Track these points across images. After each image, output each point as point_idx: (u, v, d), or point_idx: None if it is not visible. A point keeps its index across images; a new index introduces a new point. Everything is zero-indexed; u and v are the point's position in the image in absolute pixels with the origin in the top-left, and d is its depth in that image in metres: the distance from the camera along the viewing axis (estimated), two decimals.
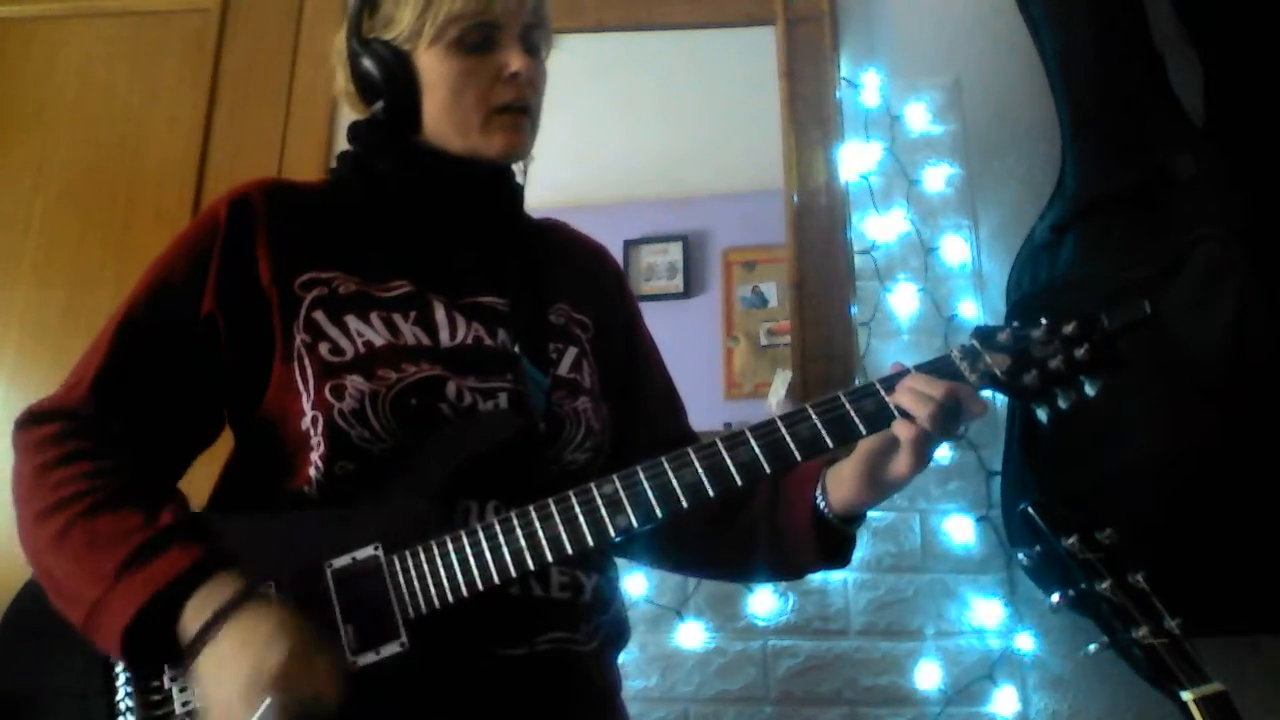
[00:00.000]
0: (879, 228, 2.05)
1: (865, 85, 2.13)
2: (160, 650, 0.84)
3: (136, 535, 0.86)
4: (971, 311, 1.99)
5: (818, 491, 1.00)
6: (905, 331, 1.99)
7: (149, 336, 0.98)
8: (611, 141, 2.31)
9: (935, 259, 2.03)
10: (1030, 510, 0.95)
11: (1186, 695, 0.82)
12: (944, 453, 1.87)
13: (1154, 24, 1.87)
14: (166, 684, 0.87)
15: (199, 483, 1.01)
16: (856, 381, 1.93)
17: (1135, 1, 1.85)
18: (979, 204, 2.07)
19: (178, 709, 0.86)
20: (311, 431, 0.94)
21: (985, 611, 1.80)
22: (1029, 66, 2.04)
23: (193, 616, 0.83)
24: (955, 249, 2.03)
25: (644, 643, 1.82)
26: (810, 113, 2.12)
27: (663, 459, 0.91)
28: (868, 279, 2.02)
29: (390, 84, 1.04)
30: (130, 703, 0.87)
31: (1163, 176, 1.68)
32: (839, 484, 0.99)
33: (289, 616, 0.84)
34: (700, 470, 0.90)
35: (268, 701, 0.78)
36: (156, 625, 0.83)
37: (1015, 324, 0.95)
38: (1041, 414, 0.93)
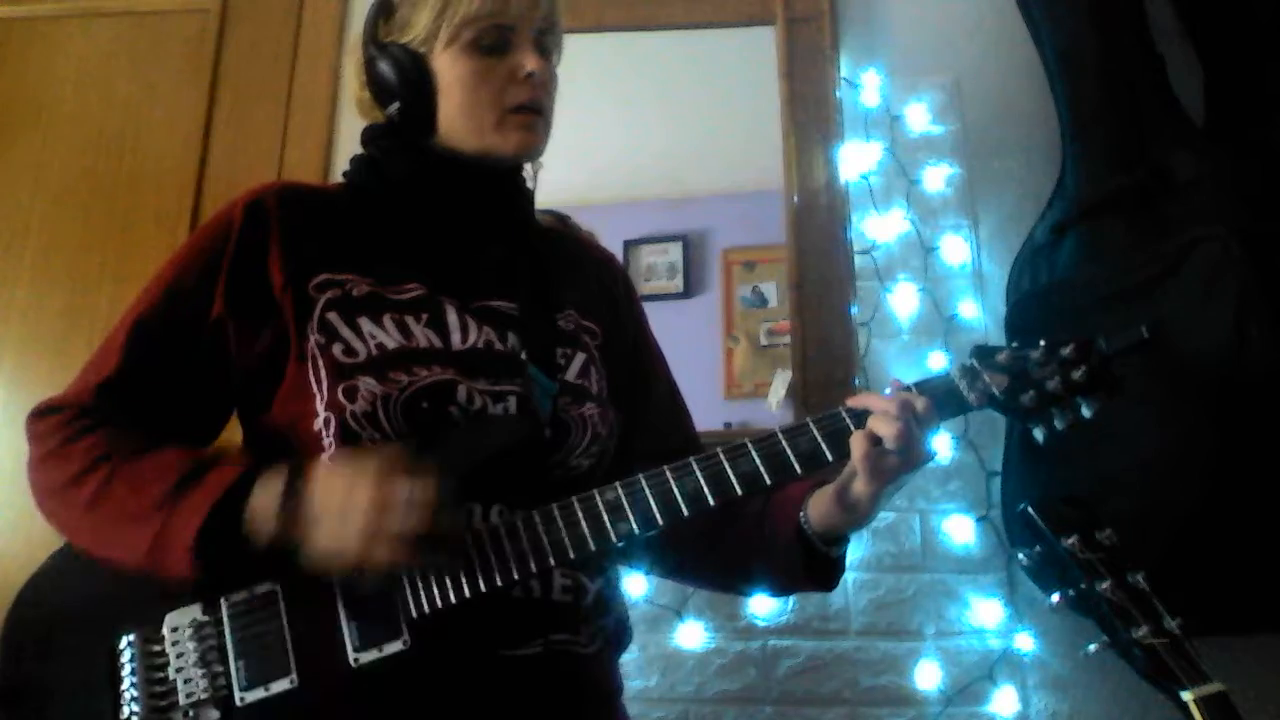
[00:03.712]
0: (879, 228, 2.05)
1: (865, 85, 2.13)
2: (232, 554, 0.87)
3: (182, 464, 0.90)
4: (971, 312, 1.99)
5: (802, 511, 1.00)
6: (905, 331, 1.99)
7: (160, 338, 0.99)
8: (611, 141, 2.31)
9: (935, 259, 2.03)
10: (1030, 510, 0.95)
11: (1186, 695, 0.82)
12: (944, 453, 1.88)
13: (1154, 24, 1.88)
14: (171, 675, 0.88)
15: None
16: (856, 382, 1.94)
17: (1135, 1, 1.85)
18: (979, 204, 2.07)
19: (181, 700, 0.87)
20: (324, 433, 0.94)
21: (985, 611, 1.81)
22: (1029, 66, 2.04)
23: (264, 493, 0.87)
24: (955, 249, 2.03)
25: (644, 643, 1.82)
26: (810, 113, 2.12)
27: (665, 468, 0.92)
28: (868, 279, 2.02)
29: (406, 85, 1.05)
30: (135, 693, 0.88)
31: (1163, 176, 1.68)
32: (820, 503, 0.98)
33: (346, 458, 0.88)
34: (701, 479, 0.91)
35: (407, 486, 0.83)
36: (225, 531, 0.86)
37: (1014, 344, 0.96)
38: (1038, 434, 0.95)
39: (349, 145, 1.14)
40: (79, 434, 0.94)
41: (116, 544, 0.90)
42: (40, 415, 0.98)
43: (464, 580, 0.89)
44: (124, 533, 0.89)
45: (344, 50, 2.20)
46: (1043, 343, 0.94)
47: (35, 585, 0.97)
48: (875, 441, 0.89)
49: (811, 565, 1.01)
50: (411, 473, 0.85)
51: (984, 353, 0.96)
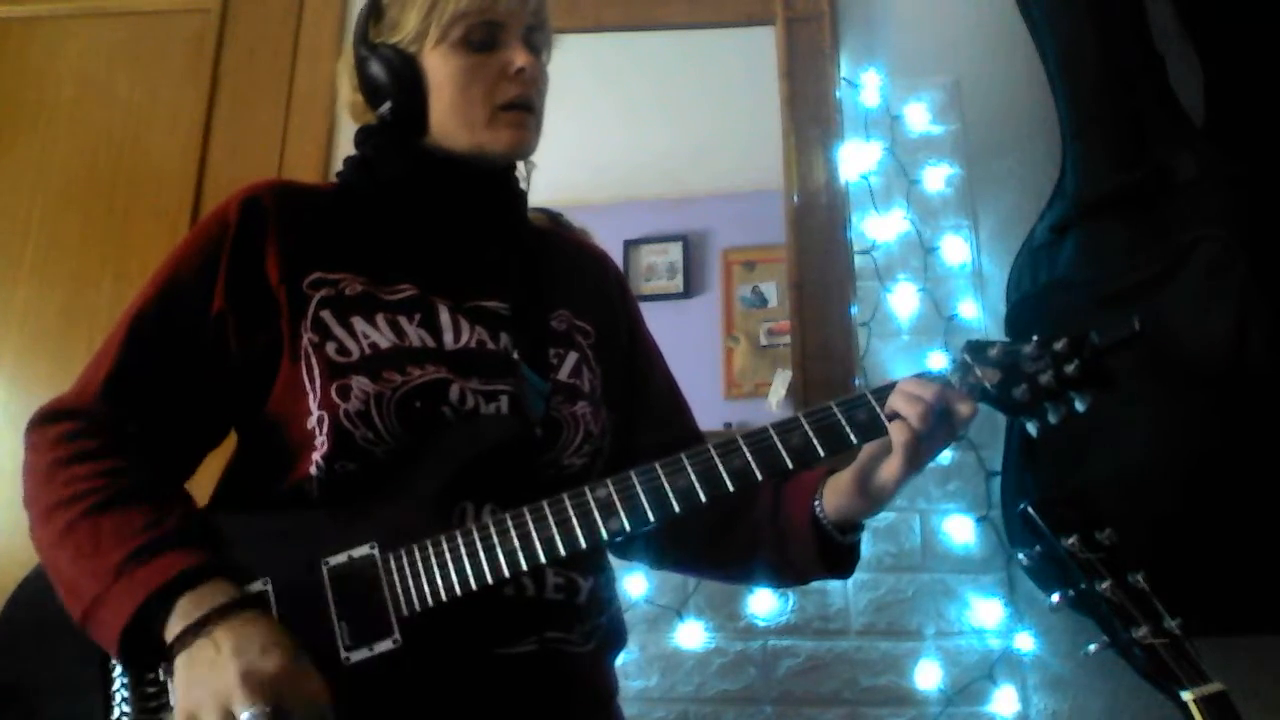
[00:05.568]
0: (879, 228, 2.05)
1: (865, 85, 2.13)
2: (157, 650, 0.84)
3: (139, 536, 0.87)
4: (971, 311, 1.99)
5: (816, 499, 1.01)
6: (905, 331, 1.99)
7: (161, 335, 0.99)
8: (611, 141, 2.31)
9: (935, 259, 2.03)
10: (1030, 510, 0.95)
11: (1186, 695, 0.82)
12: (944, 453, 1.87)
13: (1154, 24, 1.87)
14: (162, 676, 0.87)
15: (201, 481, 1.02)
16: (857, 382, 1.94)
17: (1135, 2, 1.85)
18: (979, 204, 2.07)
19: (173, 701, 0.87)
20: (316, 431, 0.94)
21: (985, 611, 1.81)
22: (1029, 66, 2.04)
23: (180, 617, 0.83)
24: (955, 249, 2.03)
25: (644, 643, 1.82)
26: (810, 113, 2.12)
27: (656, 464, 0.92)
28: (868, 279, 2.02)
29: (397, 85, 1.05)
30: (125, 694, 0.88)
31: (1163, 176, 1.68)
32: (835, 492, 0.99)
33: (282, 629, 0.84)
34: (693, 475, 0.91)
35: (256, 708, 0.78)
36: (152, 625, 0.84)
37: (1006, 339, 0.96)
38: (1031, 428, 0.94)
39: (348, 145, 1.14)
40: (69, 460, 0.92)
41: (62, 588, 0.88)
42: (39, 424, 0.97)
43: (455, 579, 0.88)
44: (71, 583, 0.87)
45: (342, 50, 2.21)
46: (1035, 337, 0.94)
47: (28, 586, 0.96)
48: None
49: (827, 554, 1.01)
50: (307, 679, 0.82)
51: (976, 347, 0.96)
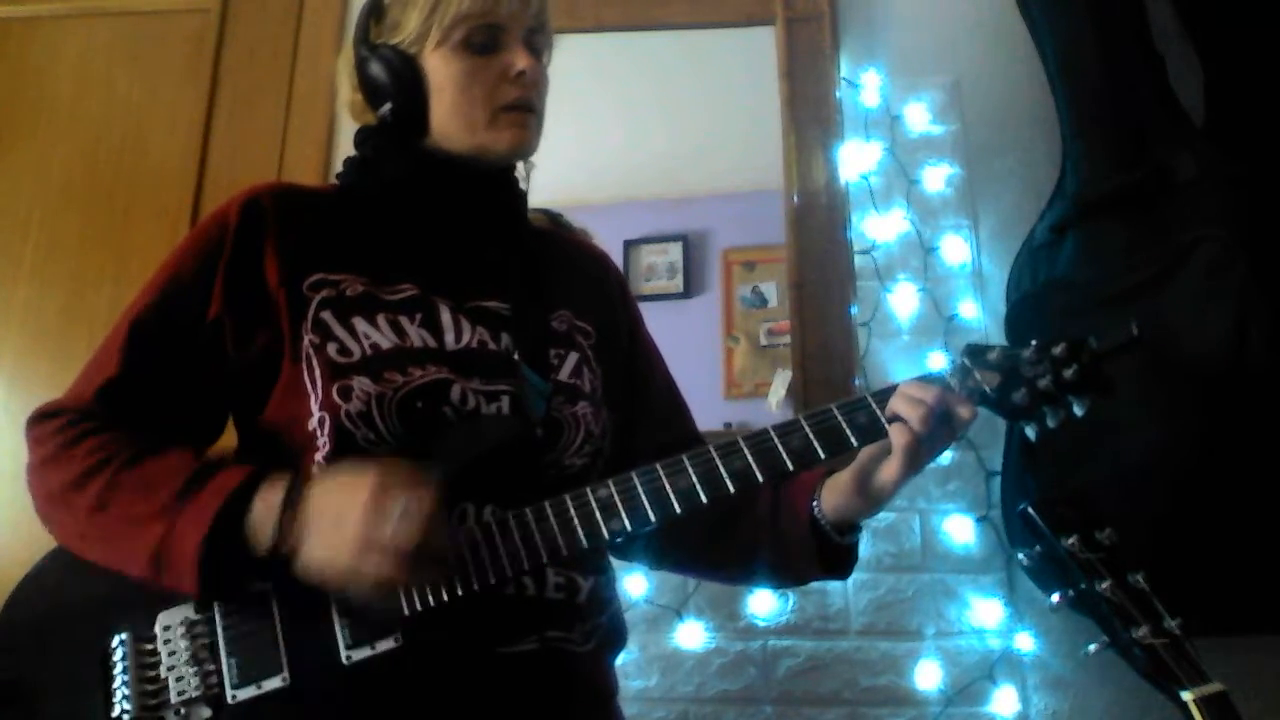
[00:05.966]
0: (879, 228, 2.05)
1: (865, 85, 2.13)
2: (237, 561, 0.86)
3: (185, 468, 0.90)
4: (971, 311, 1.99)
5: (814, 500, 1.01)
6: (905, 332, 1.99)
7: (158, 338, 0.99)
8: (611, 141, 2.31)
9: (935, 259, 2.03)
10: (1030, 510, 0.95)
11: (1186, 695, 0.82)
12: (944, 454, 1.87)
13: (1154, 24, 1.88)
14: (162, 674, 0.88)
15: None
16: (857, 382, 1.94)
17: (1135, 2, 1.85)
18: (979, 204, 2.07)
19: (173, 698, 0.87)
20: (318, 432, 0.94)
21: (985, 611, 1.81)
22: (1029, 66, 2.04)
23: (265, 501, 0.87)
24: (955, 249, 2.03)
25: (644, 643, 1.82)
26: (810, 113, 2.12)
27: (657, 465, 0.92)
28: (868, 279, 2.02)
29: (398, 86, 1.05)
30: (126, 691, 0.88)
31: (1163, 176, 1.68)
32: (834, 493, 0.99)
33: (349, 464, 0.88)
34: (694, 477, 0.91)
35: (404, 498, 0.83)
36: (230, 537, 0.86)
37: (1005, 344, 0.97)
38: (1030, 432, 0.95)
39: (348, 145, 1.14)
40: (80, 438, 0.93)
41: (118, 550, 0.89)
42: (40, 419, 0.97)
43: (455, 578, 0.88)
44: (126, 539, 0.88)
45: (329, 45, 2.22)
46: (1034, 341, 0.94)
47: (28, 584, 0.97)
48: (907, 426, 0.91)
49: (825, 555, 1.01)
50: (410, 484, 0.85)
51: (975, 351, 0.96)
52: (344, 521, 0.83)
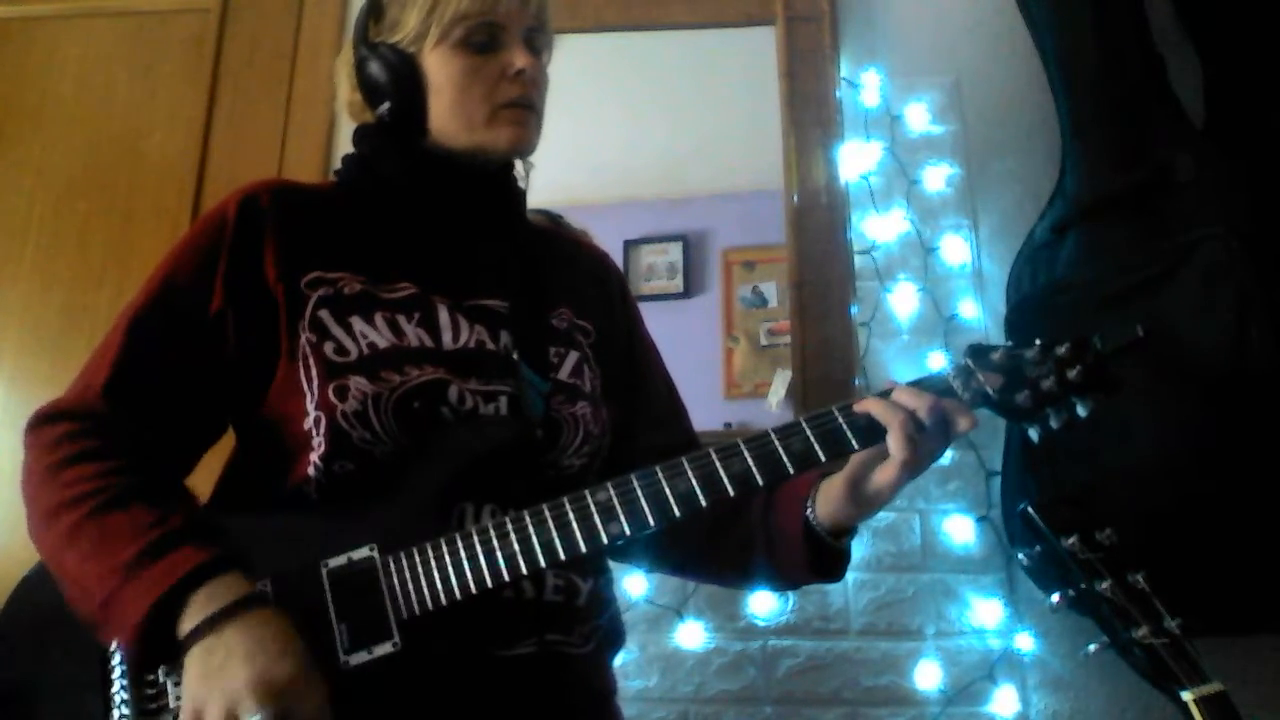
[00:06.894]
0: (879, 228, 2.05)
1: (865, 85, 2.13)
2: (170, 647, 0.84)
3: (148, 533, 0.86)
4: (971, 312, 1.99)
5: (808, 504, 1.00)
6: (905, 331, 1.99)
7: (159, 335, 0.98)
8: (611, 141, 2.31)
9: (935, 259, 2.03)
10: (1030, 510, 0.95)
11: (1186, 695, 0.82)
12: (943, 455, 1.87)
13: (1154, 24, 1.88)
14: (161, 678, 0.87)
15: (200, 481, 1.01)
16: (857, 382, 1.94)
17: (1135, 2, 1.85)
18: (979, 204, 2.07)
19: (171, 703, 0.86)
20: (314, 432, 0.94)
21: (985, 611, 1.80)
22: (1029, 66, 2.04)
23: (195, 613, 0.83)
24: (955, 249, 2.03)
25: (644, 643, 1.82)
26: (810, 113, 2.12)
27: (657, 468, 0.91)
28: (868, 279, 2.02)
29: (397, 84, 1.04)
30: (125, 695, 0.87)
31: (1163, 176, 1.68)
32: (829, 498, 0.98)
33: (293, 632, 0.84)
34: (693, 480, 0.90)
35: (262, 715, 0.78)
36: (166, 622, 0.83)
37: (1009, 344, 0.95)
38: (1033, 434, 0.94)
39: (348, 145, 1.14)
40: (72, 460, 0.91)
41: (73, 591, 0.88)
42: (40, 424, 0.96)
43: (455, 582, 0.88)
44: (81, 584, 0.87)
45: (329, 45, 2.23)
46: (1038, 342, 0.93)
47: (27, 585, 0.96)
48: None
49: (818, 559, 1.00)
50: (297, 696, 0.80)
51: (979, 352, 0.95)
52: (223, 672, 0.80)
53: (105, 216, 2.20)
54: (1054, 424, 0.92)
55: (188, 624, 0.83)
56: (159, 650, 0.84)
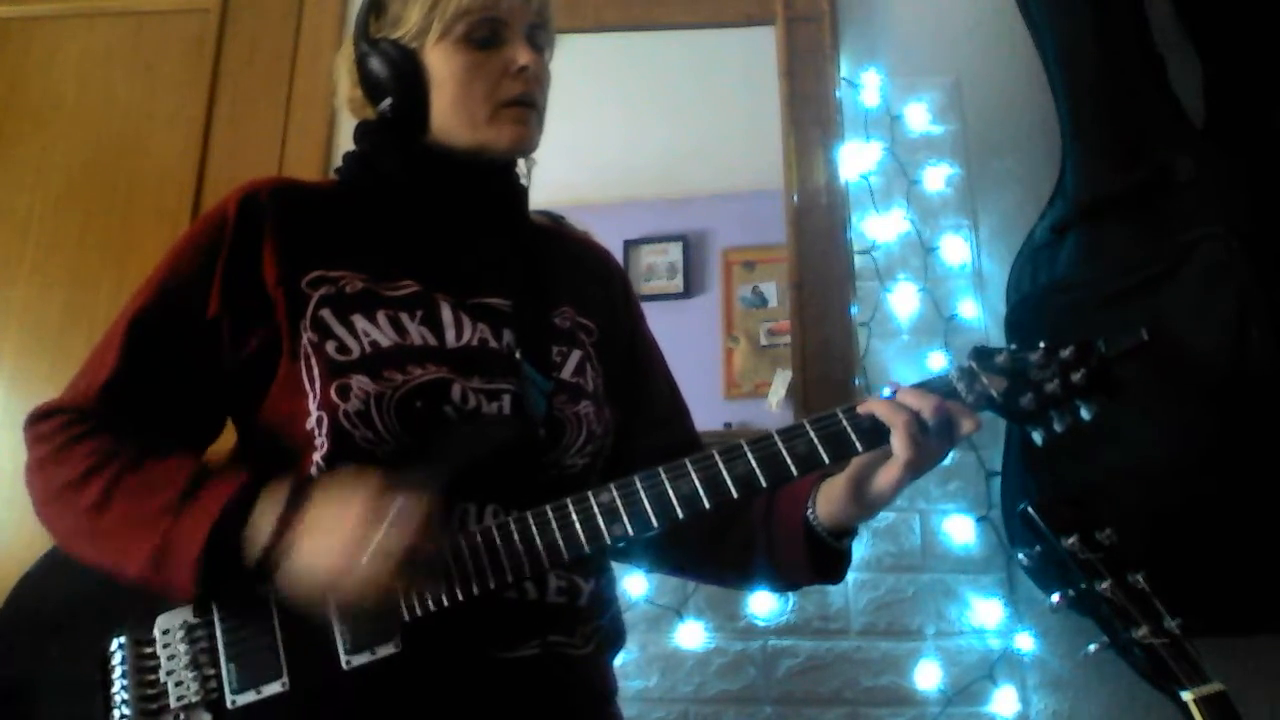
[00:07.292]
0: (879, 228, 2.05)
1: (865, 85, 2.13)
2: (234, 566, 0.86)
3: (188, 471, 0.89)
4: (971, 312, 1.99)
5: (809, 505, 1.00)
6: (905, 332, 1.99)
7: (158, 336, 0.98)
8: (611, 141, 2.31)
9: (935, 259, 2.03)
10: (1030, 510, 0.95)
11: (1186, 695, 0.82)
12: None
13: (1154, 24, 1.87)
14: (162, 678, 0.87)
15: None
16: (857, 382, 1.94)
17: (1135, 2, 1.85)
18: (979, 204, 2.07)
19: (172, 702, 0.87)
20: (316, 432, 0.94)
21: (985, 611, 1.81)
22: (1029, 66, 2.04)
23: (265, 507, 0.86)
24: (955, 249, 2.03)
25: (644, 643, 1.82)
26: (810, 113, 2.12)
27: (660, 469, 0.91)
28: (868, 279, 2.02)
29: (398, 80, 1.04)
30: (125, 695, 0.87)
31: (1163, 176, 1.68)
32: (829, 499, 0.98)
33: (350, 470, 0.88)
34: (697, 482, 0.90)
35: (399, 503, 0.83)
36: (231, 540, 0.85)
37: (1012, 346, 0.96)
38: (1037, 436, 0.94)
39: (348, 145, 1.13)
40: (79, 437, 0.93)
41: (116, 549, 0.88)
42: (39, 418, 0.97)
43: (457, 584, 0.88)
44: (126, 538, 0.88)
45: (329, 45, 2.23)
46: (1042, 345, 0.93)
47: (27, 585, 0.96)
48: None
49: (818, 559, 1.00)
50: (408, 489, 0.84)
51: (982, 354, 0.95)
52: (337, 526, 0.83)
53: (105, 216, 2.20)
54: (1058, 427, 0.92)
55: (263, 524, 0.85)
56: (221, 577, 0.86)
